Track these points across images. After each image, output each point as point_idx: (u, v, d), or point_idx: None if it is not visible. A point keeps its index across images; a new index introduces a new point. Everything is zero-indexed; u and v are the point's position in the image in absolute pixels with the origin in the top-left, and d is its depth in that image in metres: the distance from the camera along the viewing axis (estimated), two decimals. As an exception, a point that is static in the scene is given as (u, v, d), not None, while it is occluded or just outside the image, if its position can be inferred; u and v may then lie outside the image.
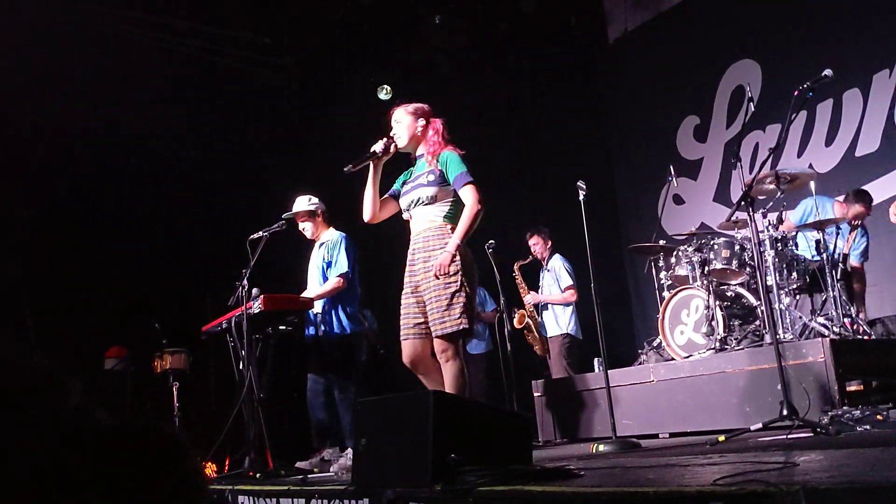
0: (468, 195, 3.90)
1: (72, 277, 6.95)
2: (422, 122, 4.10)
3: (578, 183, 4.58)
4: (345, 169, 4.19)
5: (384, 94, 8.64)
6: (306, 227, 5.45)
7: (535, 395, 6.41)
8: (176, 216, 7.34)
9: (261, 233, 4.97)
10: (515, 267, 7.33)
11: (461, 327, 3.75)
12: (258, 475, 4.23)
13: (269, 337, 5.01)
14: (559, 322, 7.15)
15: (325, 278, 5.29)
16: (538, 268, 7.45)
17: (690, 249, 6.05)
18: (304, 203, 5.43)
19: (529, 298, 7.33)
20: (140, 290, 7.09)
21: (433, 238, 3.91)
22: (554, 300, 7.16)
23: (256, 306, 4.61)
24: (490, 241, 7.38)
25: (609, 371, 4.72)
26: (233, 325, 4.72)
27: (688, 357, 5.66)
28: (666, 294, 6.24)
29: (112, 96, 6.88)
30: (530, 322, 7.31)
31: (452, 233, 3.86)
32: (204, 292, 7.16)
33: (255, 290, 4.72)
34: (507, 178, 8.79)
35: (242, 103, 7.92)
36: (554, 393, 6.28)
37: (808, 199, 6.25)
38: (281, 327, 5.02)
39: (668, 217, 8.65)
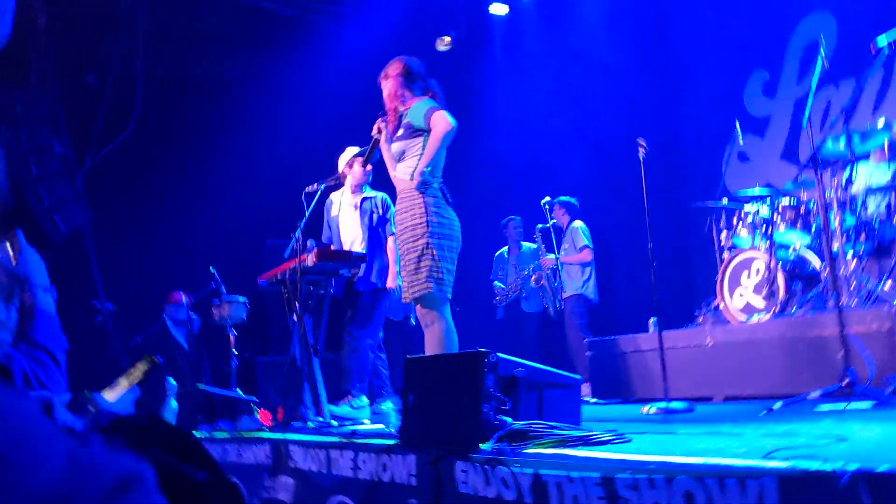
0: (434, 123, 3.87)
1: (134, 224, 7.14)
2: (387, 83, 4.09)
3: (638, 140, 4.47)
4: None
5: (443, 46, 8.55)
6: (361, 175, 5.48)
7: (587, 353, 6.37)
8: (236, 165, 7.46)
9: (315, 185, 5.02)
10: (536, 228, 7.39)
11: (427, 292, 3.77)
12: (310, 425, 4.32)
13: (323, 287, 5.06)
14: (573, 283, 7.18)
15: (373, 233, 5.35)
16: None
17: (754, 210, 5.87)
18: (353, 153, 5.49)
19: (547, 259, 7.33)
20: (201, 239, 7.25)
21: (402, 199, 3.96)
22: (569, 259, 7.19)
23: (310, 259, 4.65)
24: (547, 199, 7.33)
25: (665, 331, 4.64)
26: (287, 276, 4.78)
27: (746, 320, 5.53)
28: (726, 255, 6.09)
29: (177, 43, 6.98)
30: (545, 283, 7.35)
31: (423, 195, 3.86)
32: (263, 242, 7.30)
33: (309, 242, 4.77)
34: (566, 135, 8.66)
35: (299, 52, 7.94)
36: (607, 352, 6.22)
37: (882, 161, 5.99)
38: (343, 271, 5.08)
39: (733, 175, 8.39)
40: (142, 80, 7.27)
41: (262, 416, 4.99)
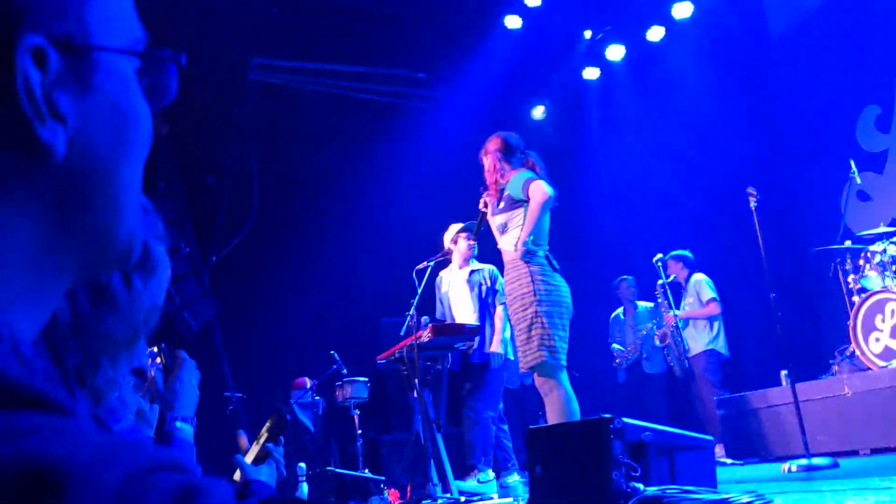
0: (532, 193, 3.89)
1: (258, 315, 7.47)
2: (487, 158, 4.18)
3: (748, 189, 4.38)
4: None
5: (540, 114, 8.68)
6: (467, 250, 5.58)
7: (719, 412, 6.13)
8: (348, 250, 7.74)
9: (425, 263, 5.15)
10: (658, 285, 7.12)
11: (541, 360, 3.75)
12: (440, 502, 4.31)
13: (440, 362, 5.12)
14: (701, 339, 6.86)
15: (483, 304, 5.41)
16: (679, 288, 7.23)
17: (881, 248, 5.59)
18: (457, 229, 5.62)
19: (670, 315, 7.03)
20: (321, 324, 7.50)
21: (509, 270, 3.99)
22: (696, 314, 6.90)
23: (426, 335, 4.73)
24: (659, 255, 7.20)
25: (798, 384, 4.43)
26: (405, 353, 4.87)
27: (886, 366, 5.21)
28: (856, 299, 5.79)
29: (287, 140, 7.40)
30: (670, 341, 7.04)
31: (528, 264, 3.88)
32: (378, 321, 7.47)
33: (423, 319, 4.86)
34: (672, 191, 8.55)
35: (400, 136, 8.24)
36: (738, 409, 5.97)
37: None
38: (458, 345, 5.15)
39: (853, 215, 8.02)
40: (257, 178, 7.70)
41: (392, 495, 5.02)
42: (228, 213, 7.48)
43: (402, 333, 4.99)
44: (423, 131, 8.44)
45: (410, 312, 4.89)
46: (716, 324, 6.95)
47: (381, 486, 5.28)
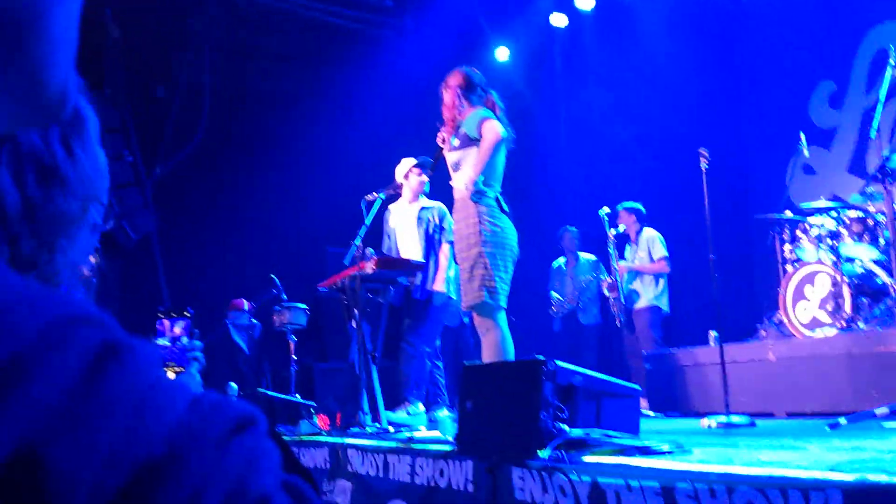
0: (485, 132, 3.88)
1: (200, 233, 7.34)
2: (447, 93, 4.12)
3: (701, 150, 4.42)
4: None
5: (504, 56, 8.59)
6: (418, 185, 5.55)
7: (646, 366, 6.30)
8: (298, 175, 7.62)
9: (374, 194, 5.10)
10: (611, 235, 7.18)
11: (480, 300, 3.78)
12: (368, 430, 4.37)
13: (382, 295, 5.13)
14: (647, 294, 7.01)
15: (429, 242, 5.41)
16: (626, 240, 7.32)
17: (819, 222, 5.74)
18: (410, 164, 5.57)
19: (622, 265, 7.13)
20: (263, 247, 7.42)
21: (458, 208, 3.98)
22: (646, 268, 7.02)
23: (370, 266, 4.72)
24: (606, 209, 7.28)
25: (725, 345, 4.57)
26: (347, 283, 4.86)
27: (810, 335, 5.41)
28: (790, 268, 5.97)
29: (243, 57, 7.18)
30: (617, 293, 7.14)
31: (476, 204, 3.87)
32: (324, 250, 7.43)
33: (368, 251, 4.85)
34: (626, 145, 8.60)
35: (361, 64, 8.08)
36: (665, 366, 6.15)
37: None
38: (401, 279, 5.14)
39: (797, 187, 8.21)
40: (209, 93, 7.49)
41: (321, 420, 5.07)
42: (176, 127, 7.29)
43: (346, 263, 4.97)
44: (384, 61, 8.29)
45: (356, 242, 4.87)
46: (661, 281, 7.10)
47: (311, 410, 5.32)
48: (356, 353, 4.77)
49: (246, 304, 6.98)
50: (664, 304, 7.08)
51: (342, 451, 3.78)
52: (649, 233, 7.14)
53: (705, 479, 1.90)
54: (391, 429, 4.51)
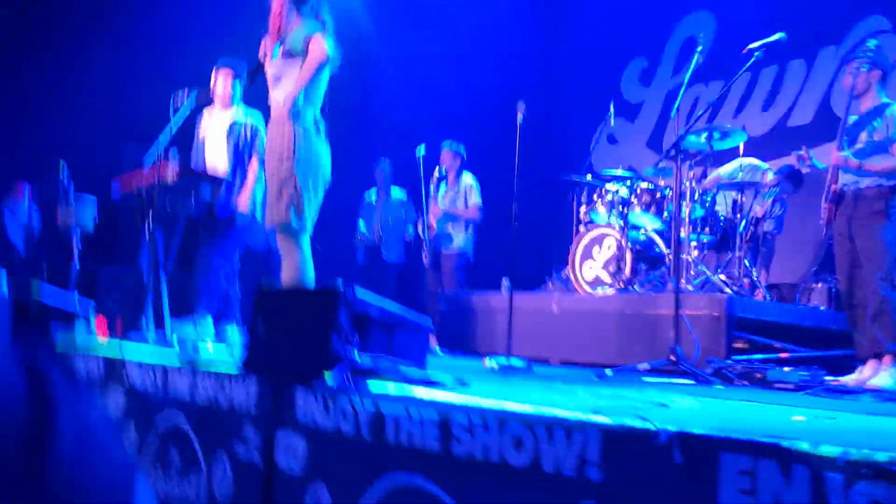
0: (312, 49, 3.77)
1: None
2: (275, 1, 3.94)
3: (518, 103, 4.54)
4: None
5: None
6: (226, 90, 5.25)
7: (440, 307, 6.49)
8: (105, 56, 6.97)
9: (186, 92, 4.78)
10: (435, 175, 7.24)
11: (286, 221, 3.74)
12: (152, 340, 4.19)
13: (182, 205, 4.87)
14: (457, 239, 7.16)
15: (238, 157, 5.18)
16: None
17: (614, 190, 6.13)
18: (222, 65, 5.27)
19: (437, 208, 7.21)
20: (53, 130, 6.75)
21: (273, 124, 3.87)
22: (461, 213, 7.14)
23: (172, 173, 4.46)
24: (421, 148, 7.31)
25: (514, 293, 4.80)
26: (145, 186, 4.56)
27: (592, 292, 5.81)
28: (582, 228, 6.35)
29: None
30: (432, 232, 7.21)
31: (293, 122, 3.79)
32: (123, 144, 6.88)
33: (172, 152, 4.56)
34: (448, 88, 8.67)
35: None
36: (459, 307, 6.37)
37: (737, 158, 6.44)
38: (204, 191, 4.88)
39: (600, 154, 8.72)
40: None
41: (99, 321, 4.76)
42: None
43: (145, 163, 4.66)
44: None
45: (159, 143, 4.56)
46: (471, 227, 7.25)
47: (90, 311, 5.00)
48: (146, 259, 4.51)
49: (27, 191, 6.37)
50: (470, 251, 7.27)
51: (119, 358, 3.60)
52: (467, 179, 7.25)
53: (480, 413, 1.99)
54: (175, 341, 4.35)
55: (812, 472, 1.40)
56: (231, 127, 5.23)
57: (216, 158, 5.22)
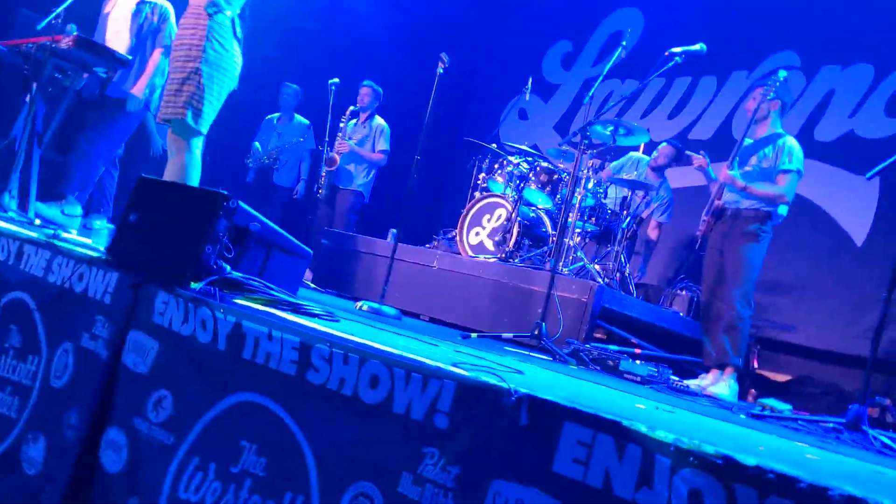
0: None
1: None
2: None
3: (442, 55, 4.49)
4: None
5: None
6: None
7: (323, 241, 6.42)
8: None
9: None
10: (348, 111, 7.13)
11: (181, 118, 3.60)
12: (10, 215, 3.94)
13: (71, 79, 4.56)
14: (358, 178, 7.12)
15: (141, 40, 4.92)
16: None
17: (515, 163, 6.20)
18: None
19: (345, 143, 7.09)
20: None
21: (188, 15, 3.70)
22: (366, 155, 7.09)
23: (66, 42, 4.16)
24: (335, 80, 7.16)
25: (399, 244, 4.80)
26: (34, 50, 4.24)
27: (473, 257, 5.89)
28: (477, 195, 6.41)
29: None
30: (334, 167, 7.10)
31: (210, 17, 3.64)
32: (17, 9, 6.38)
33: (70, 26, 4.28)
34: (372, 28, 8.50)
35: None
36: (341, 246, 6.32)
37: (631, 153, 6.68)
38: (98, 69, 4.58)
39: (509, 126, 8.81)
40: None
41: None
42: None
43: (38, 28, 4.34)
44: None
45: (58, 10, 4.25)
46: (373, 171, 7.19)
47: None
48: (21, 129, 4.22)
49: None
50: (368, 193, 7.23)
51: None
52: (379, 121, 7.18)
53: (343, 346, 1.99)
54: (37, 221, 4.11)
55: (644, 452, 1.47)
56: (138, 7, 4.95)
57: (117, 38, 4.93)
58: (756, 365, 6.12)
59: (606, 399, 2.31)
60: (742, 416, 3.15)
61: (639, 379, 3.76)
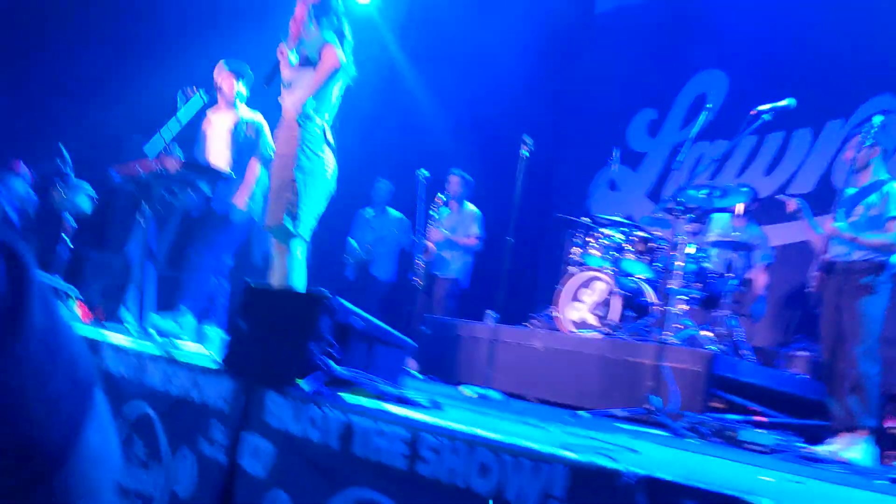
0: (325, 57, 3.80)
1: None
2: (300, 7, 3.98)
3: (525, 137, 4.57)
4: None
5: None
6: (230, 91, 5.28)
7: (423, 329, 6.47)
8: (116, 48, 7.02)
9: (194, 88, 4.81)
10: (440, 200, 7.28)
11: (281, 224, 3.74)
12: (132, 329, 4.16)
13: (180, 198, 4.86)
14: (454, 266, 7.20)
15: (240, 155, 5.21)
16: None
17: (609, 235, 6.15)
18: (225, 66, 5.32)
19: (439, 233, 7.22)
20: (59, 116, 6.77)
21: (282, 128, 3.88)
22: (462, 241, 7.18)
23: (173, 163, 4.46)
24: (424, 171, 7.35)
25: (499, 326, 4.79)
26: (144, 174, 4.56)
27: (576, 333, 5.80)
28: (574, 269, 6.35)
29: None
30: (431, 256, 7.21)
31: (301, 127, 3.79)
32: (127, 136, 6.90)
33: (175, 147, 4.58)
34: (458, 116, 8.74)
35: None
36: (441, 333, 6.35)
37: (745, 221, 6.51)
38: (203, 186, 4.88)
39: (599, 199, 8.78)
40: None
41: (80, 309, 4.74)
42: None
43: (146, 152, 4.66)
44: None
45: (163, 135, 4.57)
46: (468, 257, 7.29)
47: (71, 296, 4.97)
48: (136, 249, 4.50)
49: (24, 169, 6.36)
50: (465, 278, 7.31)
51: (95, 342, 3.57)
52: (471, 208, 7.31)
53: (450, 436, 1.98)
54: (154, 334, 4.32)
55: (773, 530, 1.39)
56: (235, 125, 5.27)
57: (218, 155, 5.24)
58: (894, 424, 5.71)
59: (729, 473, 2.20)
60: (881, 483, 2.93)
61: (764, 449, 3.57)
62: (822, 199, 6.35)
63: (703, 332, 5.50)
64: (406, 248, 7.72)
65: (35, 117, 6.75)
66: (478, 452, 1.89)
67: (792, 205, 4.74)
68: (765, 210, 6.99)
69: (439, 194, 7.27)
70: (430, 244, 7.11)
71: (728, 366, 4.88)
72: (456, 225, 7.24)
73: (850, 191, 4.62)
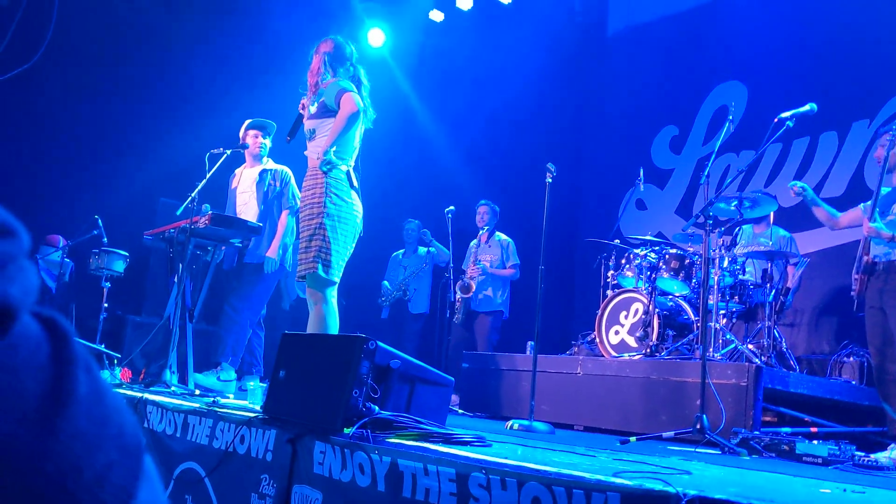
0: (343, 104, 3.86)
1: (23, 155, 6.79)
2: (315, 58, 4.06)
3: (549, 165, 4.57)
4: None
5: (378, 41, 8.53)
6: (255, 146, 5.40)
7: (464, 365, 6.44)
8: (141, 117, 7.21)
9: (221, 149, 4.93)
10: (482, 235, 7.26)
11: (313, 271, 3.76)
12: (172, 388, 4.20)
13: (211, 254, 4.94)
14: (495, 298, 7.16)
15: (268, 206, 5.30)
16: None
17: (642, 255, 6.11)
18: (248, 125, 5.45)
19: (476, 268, 7.21)
20: (91, 186, 6.95)
21: (307, 177, 3.95)
22: (500, 273, 7.16)
23: (203, 221, 4.54)
24: (450, 207, 7.38)
25: (539, 356, 4.75)
26: (175, 235, 4.64)
27: (617, 357, 5.74)
28: (609, 293, 6.31)
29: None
30: (471, 293, 7.20)
31: (325, 174, 3.84)
32: (156, 200, 7.06)
33: (204, 206, 4.67)
34: (478, 148, 8.79)
35: (228, 13, 7.77)
36: (483, 367, 6.32)
37: (766, 227, 6.41)
38: (234, 240, 4.97)
39: (628, 219, 8.72)
40: (57, 11, 6.92)
41: (124, 373, 4.81)
42: (15, 36, 6.66)
43: (178, 213, 4.75)
44: (256, 14, 8.02)
45: (192, 195, 4.67)
46: (508, 287, 7.27)
47: (115, 361, 5.05)
48: (173, 308, 4.56)
49: (61, 241, 6.51)
50: (506, 309, 7.27)
51: (141, 404, 3.61)
52: (503, 237, 7.30)
53: (499, 471, 1.96)
54: (197, 392, 4.36)
55: (838, 544, 1.36)
56: (261, 176, 5.37)
57: (246, 208, 5.33)
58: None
59: (785, 488, 2.15)
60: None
61: (820, 460, 3.48)
62: (856, 200, 6.26)
63: (746, 346, 5.41)
64: (436, 274, 7.71)
65: (70, 195, 6.92)
66: (528, 487, 1.87)
67: (795, 189, 4.70)
68: (793, 219, 6.91)
69: (484, 229, 7.22)
70: (470, 282, 7.09)
71: (775, 377, 4.79)
72: (490, 256, 7.24)
73: (885, 190, 4.54)
